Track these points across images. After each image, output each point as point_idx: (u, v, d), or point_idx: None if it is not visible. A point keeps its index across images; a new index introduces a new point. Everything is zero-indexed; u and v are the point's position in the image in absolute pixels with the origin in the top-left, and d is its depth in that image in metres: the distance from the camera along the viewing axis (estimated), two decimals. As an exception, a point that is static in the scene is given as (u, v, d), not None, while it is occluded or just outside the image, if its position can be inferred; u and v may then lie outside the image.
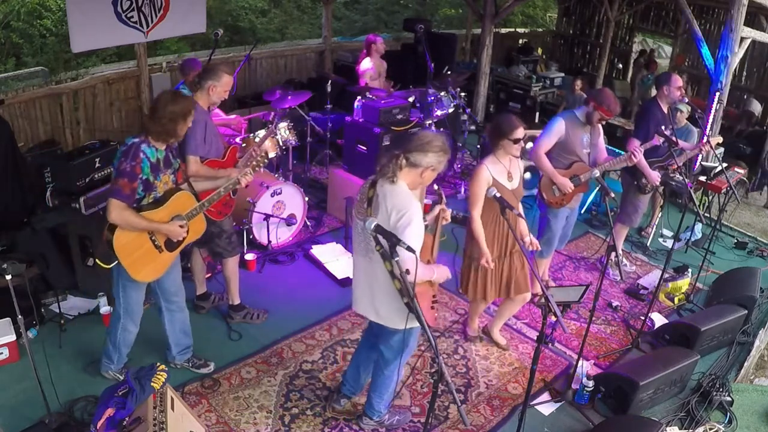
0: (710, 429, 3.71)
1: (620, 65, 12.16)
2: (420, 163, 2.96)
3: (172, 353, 3.87)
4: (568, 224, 4.81)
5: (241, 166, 4.20)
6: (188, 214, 3.42)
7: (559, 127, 4.38)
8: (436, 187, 3.35)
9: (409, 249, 2.72)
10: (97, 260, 3.30)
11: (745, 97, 10.01)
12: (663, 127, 4.64)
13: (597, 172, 4.35)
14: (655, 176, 4.89)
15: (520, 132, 3.72)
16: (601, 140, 4.63)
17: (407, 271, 2.77)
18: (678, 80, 4.91)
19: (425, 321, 2.96)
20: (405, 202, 2.91)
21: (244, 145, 5.09)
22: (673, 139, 4.60)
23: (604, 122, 4.44)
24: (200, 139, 3.80)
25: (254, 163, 3.76)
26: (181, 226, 3.36)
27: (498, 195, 3.33)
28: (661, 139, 4.56)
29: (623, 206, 5.23)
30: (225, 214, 4.07)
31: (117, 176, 3.14)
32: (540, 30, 14.38)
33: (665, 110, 4.92)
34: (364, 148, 6.36)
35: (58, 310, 4.21)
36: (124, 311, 3.55)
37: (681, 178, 5.06)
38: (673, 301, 5.13)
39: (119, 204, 3.13)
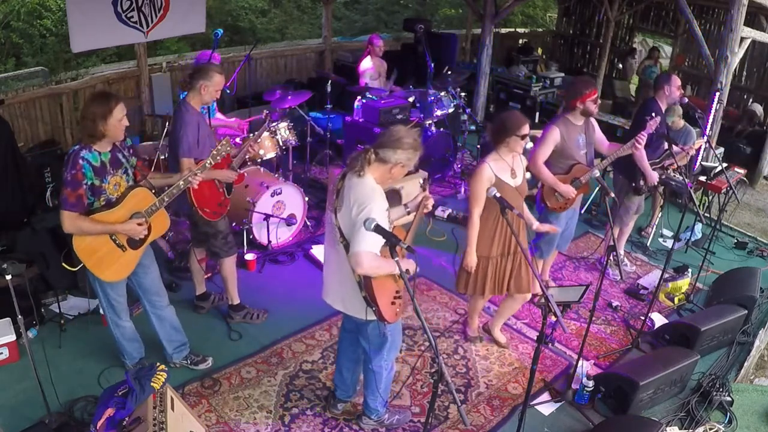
0: (710, 429, 3.71)
1: (620, 65, 12.15)
2: (389, 159, 2.95)
3: (168, 352, 3.88)
4: (570, 225, 4.79)
5: (235, 165, 4.21)
6: (147, 210, 3.38)
7: (554, 135, 4.35)
8: (421, 180, 3.34)
9: (409, 249, 2.73)
10: (63, 263, 3.30)
11: (746, 97, 10.01)
12: (654, 115, 4.62)
13: (597, 172, 4.35)
14: (655, 175, 4.89)
15: (526, 128, 3.71)
16: (599, 133, 4.59)
17: (407, 271, 2.78)
18: (678, 80, 4.92)
19: (381, 316, 2.98)
20: (367, 197, 2.89)
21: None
22: (659, 130, 4.61)
23: (598, 103, 4.40)
24: (193, 141, 3.79)
25: (207, 162, 3.57)
26: (139, 224, 3.33)
27: (498, 195, 3.32)
28: (654, 126, 4.53)
29: (615, 208, 5.21)
30: (220, 214, 4.07)
31: (62, 186, 3.15)
32: (540, 30, 14.37)
33: (664, 110, 4.92)
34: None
35: (58, 310, 4.22)
36: (107, 307, 3.58)
37: (681, 178, 5.06)
38: (673, 301, 5.13)
39: (68, 214, 3.14)
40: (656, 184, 4.98)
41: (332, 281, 3.23)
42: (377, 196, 2.92)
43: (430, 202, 3.26)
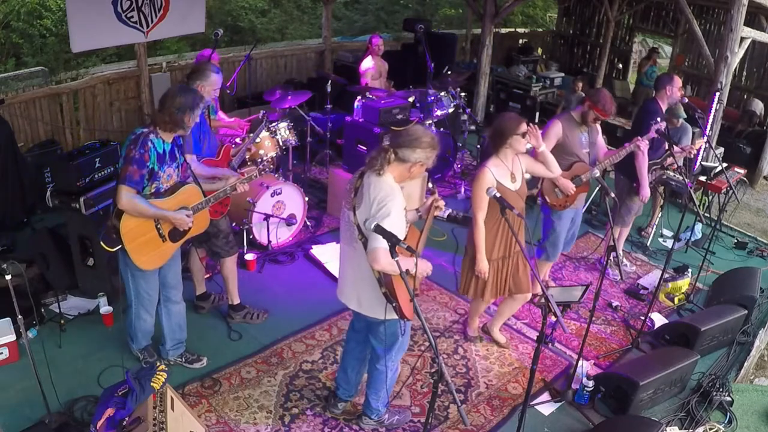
0: (710, 429, 3.71)
1: (620, 65, 12.16)
2: (408, 158, 3.00)
3: (165, 348, 3.89)
4: (574, 225, 4.79)
5: (235, 164, 4.24)
6: (194, 207, 3.51)
7: (556, 130, 4.37)
8: (430, 185, 3.40)
9: (409, 249, 2.73)
10: (101, 243, 3.38)
11: (746, 97, 10.00)
12: (658, 119, 4.64)
13: (597, 172, 4.35)
14: (648, 192, 4.91)
15: (524, 125, 3.75)
16: (600, 138, 4.63)
17: (407, 271, 2.78)
18: (679, 81, 4.93)
19: (402, 315, 2.99)
20: (387, 194, 2.94)
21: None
22: (667, 134, 4.62)
23: (599, 122, 4.44)
24: (194, 139, 3.85)
25: (254, 173, 3.89)
26: (187, 216, 3.44)
27: (498, 195, 3.33)
28: (657, 131, 4.54)
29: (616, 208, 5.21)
30: (221, 213, 4.10)
31: (126, 163, 3.22)
32: (540, 30, 14.37)
33: (664, 110, 4.93)
34: (364, 148, 6.36)
35: (58, 310, 4.21)
36: (135, 297, 3.62)
37: (681, 178, 5.06)
38: (673, 301, 5.13)
39: (129, 190, 3.21)
40: (645, 202, 5.00)
41: (348, 280, 3.24)
42: (396, 194, 2.98)
43: (441, 204, 3.30)
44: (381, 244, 2.81)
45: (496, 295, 4.04)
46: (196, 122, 3.82)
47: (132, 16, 6.26)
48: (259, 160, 5.37)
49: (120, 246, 3.31)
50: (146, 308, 3.67)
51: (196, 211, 3.51)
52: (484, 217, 3.79)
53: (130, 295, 3.63)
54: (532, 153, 4.46)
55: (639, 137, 4.48)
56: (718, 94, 6.40)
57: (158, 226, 3.40)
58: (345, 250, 3.22)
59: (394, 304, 2.98)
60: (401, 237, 2.96)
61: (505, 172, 3.80)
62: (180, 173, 3.52)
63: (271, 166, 3.98)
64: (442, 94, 6.91)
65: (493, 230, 3.85)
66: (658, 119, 4.61)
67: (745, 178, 6.87)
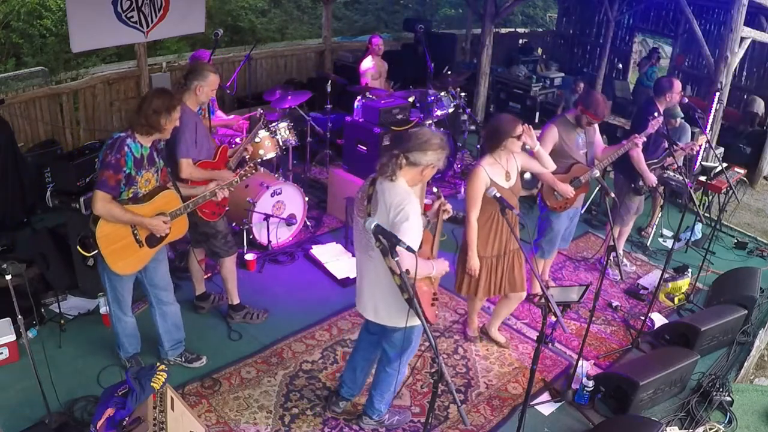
0: (710, 429, 3.71)
1: (620, 65, 12.16)
2: (420, 162, 3.00)
3: (164, 348, 3.89)
4: (571, 224, 4.80)
5: (232, 165, 4.23)
6: (172, 213, 3.47)
7: (551, 134, 4.38)
8: (435, 189, 3.41)
9: (409, 249, 2.73)
10: (78, 247, 3.39)
11: (746, 96, 10.00)
12: (656, 114, 4.64)
13: (597, 172, 4.35)
14: (653, 177, 4.90)
15: (520, 128, 3.76)
16: (598, 136, 4.63)
17: (407, 271, 2.78)
18: (679, 85, 4.93)
19: (424, 319, 3.00)
20: (403, 199, 2.95)
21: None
22: (659, 129, 4.63)
23: (592, 125, 4.45)
24: (191, 142, 3.81)
25: (236, 180, 3.85)
26: (164, 222, 3.41)
27: (498, 195, 3.34)
28: (656, 127, 4.56)
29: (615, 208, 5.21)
30: (219, 214, 4.08)
31: (102, 168, 3.21)
32: (540, 30, 14.38)
33: (662, 111, 4.93)
34: (364, 148, 6.36)
35: (58, 310, 4.22)
36: (112, 300, 3.63)
37: (681, 178, 5.06)
38: (673, 301, 5.13)
39: (104, 195, 3.19)
40: (655, 185, 5.00)
41: (364, 289, 3.22)
42: (412, 198, 2.98)
43: (449, 207, 3.31)
44: (402, 246, 2.79)
45: (489, 293, 4.03)
46: (193, 125, 3.82)
47: (132, 16, 6.26)
48: (259, 160, 5.38)
49: (96, 251, 3.29)
50: (123, 310, 3.67)
51: (173, 217, 3.47)
52: (477, 215, 3.80)
53: (108, 297, 3.64)
54: (530, 151, 4.47)
55: (636, 134, 4.50)
56: (718, 94, 6.41)
57: (135, 231, 3.37)
58: (361, 259, 3.20)
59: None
60: (419, 239, 2.99)
61: (499, 171, 3.81)
62: (159, 178, 3.49)
63: (253, 171, 3.94)
64: (442, 94, 6.91)
65: (488, 228, 3.86)
66: (656, 114, 4.61)
67: (745, 178, 6.87)
